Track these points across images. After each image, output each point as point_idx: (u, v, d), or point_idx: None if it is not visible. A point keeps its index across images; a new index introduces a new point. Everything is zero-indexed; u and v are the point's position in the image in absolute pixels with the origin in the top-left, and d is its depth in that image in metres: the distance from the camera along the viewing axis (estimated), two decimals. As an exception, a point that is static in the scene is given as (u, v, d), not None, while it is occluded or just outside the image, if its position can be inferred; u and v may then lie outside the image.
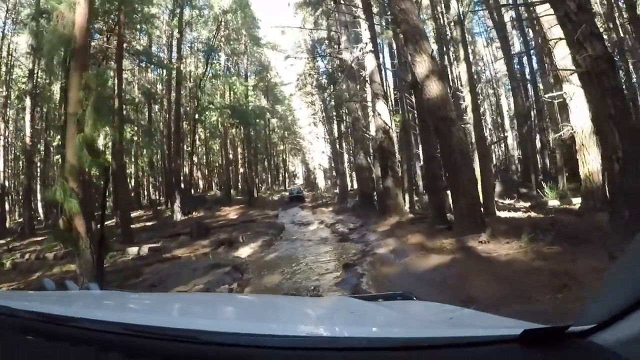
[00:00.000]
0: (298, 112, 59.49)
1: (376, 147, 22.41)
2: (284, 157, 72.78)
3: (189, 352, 1.17)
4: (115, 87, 23.55)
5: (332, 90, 30.44)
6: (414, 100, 25.43)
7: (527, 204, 17.96)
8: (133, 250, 16.81)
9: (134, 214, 33.23)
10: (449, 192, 13.60)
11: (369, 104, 22.76)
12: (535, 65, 29.20)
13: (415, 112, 26.06)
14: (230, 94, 41.11)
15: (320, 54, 32.27)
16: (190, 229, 20.70)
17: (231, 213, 32.02)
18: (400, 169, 21.34)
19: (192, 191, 42.12)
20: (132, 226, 26.64)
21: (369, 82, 21.00)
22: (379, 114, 19.50)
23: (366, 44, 20.35)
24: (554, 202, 16.84)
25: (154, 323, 1.30)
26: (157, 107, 40.42)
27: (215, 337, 1.19)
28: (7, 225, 30.69)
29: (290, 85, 48.37)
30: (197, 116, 36.82)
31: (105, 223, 25.71)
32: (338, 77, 30.71)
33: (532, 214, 14.63)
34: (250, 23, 42.98)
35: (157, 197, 44.06)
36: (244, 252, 15.57)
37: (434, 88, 12.02)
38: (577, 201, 15.17)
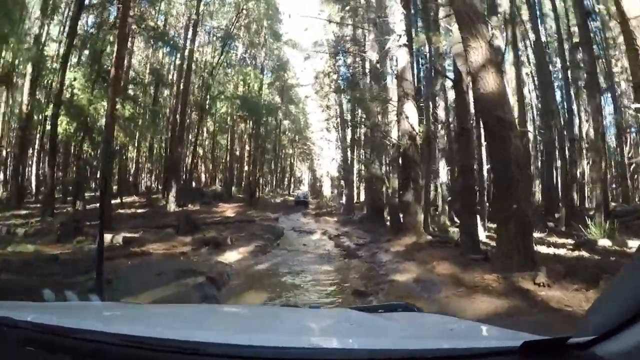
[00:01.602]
0: (311, 117, 56.92)
1: (396, 155, 19.72)
2: (292, 161, 70.68)
3: None
4: (114, 57, 20.90)
5: (352, 89, 27.39)
6: (441, 105, 22.99)
7: (567, 241, 15.25)
8: (106, 238, 13.62)
9: (128, 199, 31.65)
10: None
11: (394, 104, 19.73)
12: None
13: (440, 119, 23.61)
14: (243, 86, 38.71)
15: (342, 50, 29.18)
16: (177, 222, 18.13)
17: (228, 210, 29.77)
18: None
19: (193, 183, 40.11)
20: (121, 211, 24.79)
21: (397, 80, 18.04)
22: (407, 117, 16.60)
23: (400, 36, 17.44)
24: (604, 242, 13.95)
25: (156, 335, 1.26)
26: (166, 92, 37.97)
27: (217, 349, 1.16)
28: (-2, 195, 28.02)
29: (306, 87, 45.84)
30: (206, 104, 34.59)
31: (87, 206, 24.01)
32: (359, 78, 27.94)
33: (584, 254, 11.91)
34: (272, 15, 40.64)
35: (156, 185, 41.31)
36: (231, 257, 12.78)
37: (490, 81, 9.41)
38: (632, 244, 12.99)
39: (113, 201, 28.01)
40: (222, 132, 44.46)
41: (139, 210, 26.85)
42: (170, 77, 36.85)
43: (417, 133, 16.79)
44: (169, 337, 1.22)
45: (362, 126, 30.82)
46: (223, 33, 34.41)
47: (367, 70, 26.80)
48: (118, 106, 24.45)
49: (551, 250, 12.45)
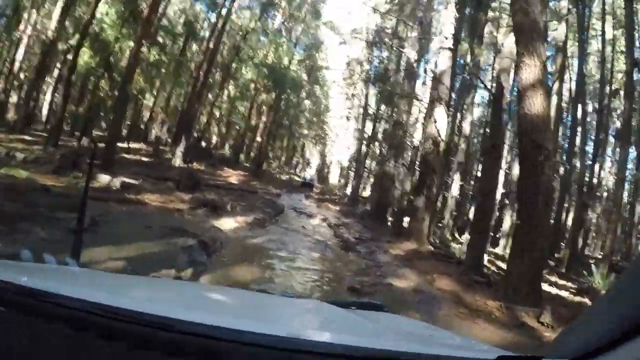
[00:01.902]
0: (333, 102, 56.51)
1: (414, 158, 19.04)
2: (305, 142, 69.31)
3: (165, 340, 1.10)
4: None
5: (383, 83, 26.68)
6: (468, 119, 22.30)
7: (568, 284, 14.98)
8: (104, 179, 13.70)
9: (135, 145, 31.32)
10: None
11: (424, 105, 19.03)
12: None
13: (463, 132, 22.92)
14: (274, 56, 37.60)
15: (381, 41, 28.36)
16: (180, 177, 17.65)
17: (233, 177, 29.42)
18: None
19: (203, 143, 39.55)
20: (126, 156, 24.71)
21: (433, 82, 17.29)
22: (435, 121, 15.86)
23: (446, 38, 16.65)
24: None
25: (132, 307, 1.19)
26: (195, 47, 37.11)
27: (192, 327, 1.12)
28: (7, 117, 27.74)
29: (336, 71, 45.14)
30: (232, 66, 33.40)
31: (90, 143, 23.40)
32: (392, 74, 27.24)
33: (587, 301, 11.36)
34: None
35: (166, 138, 40.51)
36: (227, 224, 12.12)
37: (538, 103, 8.86)
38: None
39: (120, 145, 27.84)
40: (243, 99, 43.56)
41: (144, 159, 26.45)
42: (203, 33, 35.69)
43: (442, 140, 16.12)
44: (145, 311, 1.17)
45: (385, 122, 30.21)
46: (264, -1, 33.37)
47: (401, 67, 25.95)
48: (144, 49, 24.06)
49: (553, 290, 12.12)
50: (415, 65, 23.82)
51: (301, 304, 2.53)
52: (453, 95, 21.38)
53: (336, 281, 9.06)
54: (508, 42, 13.29)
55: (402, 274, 10.47)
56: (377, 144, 33.88)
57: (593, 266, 16.17)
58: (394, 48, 26.32)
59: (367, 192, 39.26)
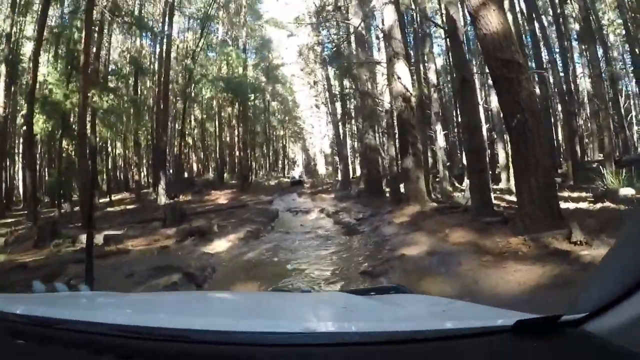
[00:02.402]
0: (299, 95, 55.77)
1: (390, 121, 18.27)
2: (284, 142, 68.75)
3: (181, 352, 1.10)
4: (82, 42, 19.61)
5: (338, 60, 25.79)
6: (432, 69, 21.52)
7: (582, 194, 14.32)
8: (85, 238, 12.29)
9: (118, 197, 30.45)
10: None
11: (384, 66, 18.20)
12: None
13: (431, 82, 22.12)
14: (226, 67, 36.83)
15: (325, 20, 27.45)
16: (164, 214, 16.68)
17: (221, 197, 28.52)
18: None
19: (185, 174, 39.12)
20: (110, 209, 24.09)
21: (385, 39, 16.48)
22: (399, 78, 15.07)
23: (386, -7, 15.83)
24: (626, 191, 12.58)
25: (146, 323, 1.23)
26: (149, 83, 36.18)
27: (207, 335, 1.13)
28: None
29: (292, 65, 44.27)
30: (188, 90, 32.99)
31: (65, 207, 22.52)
32: (344, 48, 26.39)
33: (610, 205, 10.56)
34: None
35: (146, 179, 39.70)
36: (219, 246, 11.33)
37: (493, 20, 8.19)
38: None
39: (102, 200, 27.00)
40: (210, 119, 42.82)
41: (129, 207, 25.53)
42: (151, 66, 34.68)
43: (410, 94, 15.31)
44: (159, 325, 1.19)
45: (352, 97, 29.41)
46: (201, 15, 32.54)
47: (352, 39, 25.15)
48: (95, 98, 23.18)
49: (570, 205, 11.11)
50: (364, 32, 23.04)
51: (317, 298, 2.55)
52: (410, 51, 20.66)
53: (346, 271, 8.28)
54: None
55: (411, 240, 9.67)
56: (352, 120, 33.04)
57: (601, 168, 15.50)
58: (339, 21, 25.45)
59: (358, 171, 38.31)
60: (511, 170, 18.11)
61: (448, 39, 13.68)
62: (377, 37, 25.73)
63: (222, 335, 1.12)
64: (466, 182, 16.35)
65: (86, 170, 19.00)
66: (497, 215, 10.17)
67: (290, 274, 8.18)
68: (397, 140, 19.24)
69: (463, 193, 16.77)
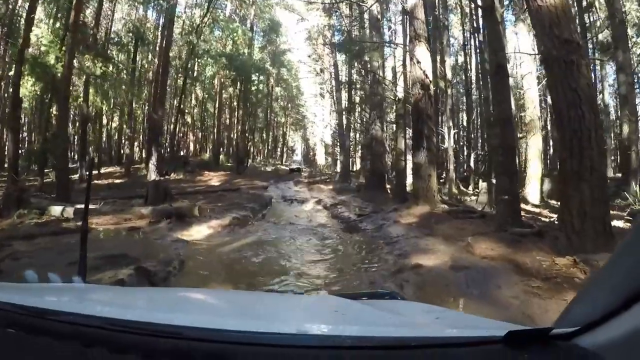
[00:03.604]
0: (304, 83, 54.45)
1: (402, 111, 16.63)
2: (285, 130, 67.16)
3: (173, 348, 1.08)
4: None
5: (349, 44, 23.96)
6: (447, 63, 19.83)
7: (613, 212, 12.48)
8: (56, 210, 11.61)
9: (108, 170, 28.78)
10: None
11: (401, 47, 16.45)
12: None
13: (446, 77, 20.38)
14: (231, 46, 34.68)
15: (338, 1, 25.49)
16: (146, 191, 15.39)
17: (214, 179, 26.93)
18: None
19: (182, 153, 37.90)
20: (98, 182, 22.32)
21: (409, 18, 14.67)
22: (418, 62, 13.28)
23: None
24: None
25: (139, 318, 1.20)
26: (150, 56, 34.60)
27: (199, 333, 1.10)
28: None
29: (299, 51, 42.66)
30: (189, 64, 31.05)
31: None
32: (357, 33, 24.69)
33: None
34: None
35: (139, 154, 38.18)
36: (197, 232, 9.70)
37: None
38: None
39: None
40: (211, 99, 40.89)
41: (117, 181, 24.31)
42: (154, 40, 33.11)
43: (430, 81, 13.52)
44: (151, 321, 1.15)
45: (360, 85, 27.69)
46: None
47: (365, 24, 23.44)
48: (88, 63, 21.40)
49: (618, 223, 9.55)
50: (379, 17, 21.31)
51: (310, 300, 2.64)
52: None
53: (346, 280, 6.53)
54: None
55: (425, 246, 7.98)
56: (357, 111, 31.34)
57: (633, 184, 13.82)
58: (353, 2, 23.63)
59: (357, 166, 36.75)
60: (529, 175, 16.46)
61: (482, 18, 11.88)
62: (392, 22, 23.98)
63: (214, 333, 1.08)
64: (482, 185, 14.73)
65: (65, 137, 17.32)
66: (527, 226, 8.55)
67: (272, 279, 6.42)
68: (406, 133, 17.61)
69: (476, 197, 15.05)
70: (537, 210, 13.68)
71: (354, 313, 1.65)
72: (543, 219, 11.50)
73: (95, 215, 10.76)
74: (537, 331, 1.06)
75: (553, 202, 15.26)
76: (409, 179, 16.26)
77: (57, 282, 1.84)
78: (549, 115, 25.80)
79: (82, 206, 11.83)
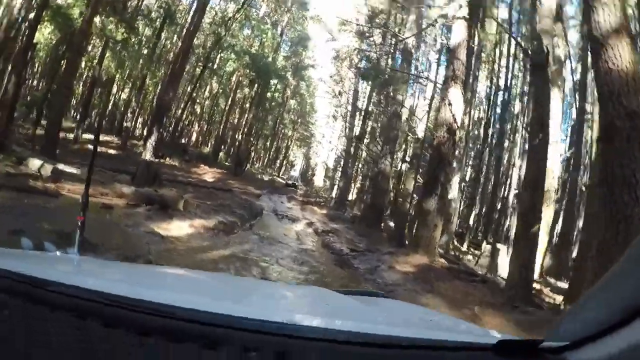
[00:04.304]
0: (319, 102, 53.64)
1: (418, 152, 15.66)
2: (289, 143, 65.80)
3: (165, 327, 1.05)
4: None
5: (376, 73, 23.09)
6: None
7: None
8: (34, 164, 10.81)
9: (106, 138, 27.46)
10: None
11: (438, 86, 15.59)
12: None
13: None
14: (258, 48, 34.16)
15: (370, 28, 24.69)
16: (136, 169, 14.75)
17: (209, 174, 26.00)
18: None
19: (183, 140, 37.27)
20: (90, 146, 21.45)
21: (450, 57, 13.81)
22: (450, 104, 12.37)
23: (460, 6, 13.18)
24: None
25: (133, 295, 1.16)
26: (175, 37, 33.58)
27: (193, 314, 1.08)
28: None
29: (322, 68, 41.95)
30: (211, 54, 30.25)
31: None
32: (387, 63, 23.93)
33: None
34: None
35: (141, 131, 36.62)
36: (177, 228, 8.67)
37: (625, 54, 6.01)
38: None
39: (87, 135, 24.47)
40: (225, 95, 39.93)
41: (111, 151, 23.31)
42: (183, 20, 31.62)
43: (458, 127, 12.60)
44: (145, 299, 1.12)
45: (377, 116, 26.80)
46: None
47: (397, 55, 22.72)
48: (111, 26, 20.55)
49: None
50: (413, 51, 20.54)
51: (301, 291, 2.49)
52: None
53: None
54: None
55: (426, 305, 6.84)
56: (366, 141, 30.49)
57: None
58: (390, 33, 22.90)
59: (353, 196, 35.73)
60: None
61: (531, 74, 11.03)
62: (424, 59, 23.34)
63: (207, 315, 1.06)
64: (485, 248, 13.74)
65: (66, 93, 16.35)
66: (536, 306, 7.65)
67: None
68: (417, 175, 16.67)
69: (477, 259, 14.05)
70: (537, 286, 12.75)
71: (346, 308, 1.67)
72: (546, 298, 10.56)
73: (72, 180, 9.90)
74: (527, 342, 1.03)
75: (552, 280, 14.54)
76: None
77: (52, 252, 1.83)
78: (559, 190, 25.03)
79: (66, 168, 11.29)
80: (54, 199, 7.75)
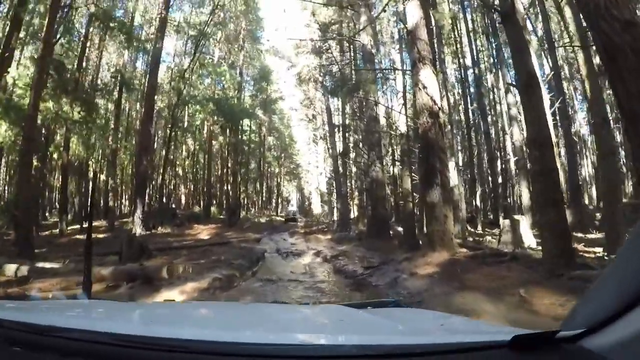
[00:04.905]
0: (296, 131, 53.88)
1: (407, 147, 14.81)
2: (279, 180, 65.32)
3: None
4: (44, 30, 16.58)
5: (342, 85, 22.49)
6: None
7: None
8: (10, 269, 10.29)
9: (95, 224, 25.97)
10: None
11: (408, 73, 14.86)
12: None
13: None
14: (221, 93, 33.65)
15: (330, 38, 24.18)
16: (120, 248, 13.22)
17: (203, 232, 24.80)
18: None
19: (172, 205, 35.54)
20: (79, 237, 20.42)
21: (410, 39, 12.88)
22: (425, 87, 11.55)
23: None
24: None
25: (144, 333, 1.20)
26: (137, 105, 33.45)
27: (206, 346, 1.11)
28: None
29: (290, 97, 41.79)
30: (176, 111, 29.75)
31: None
32: (349, 73, 23.30)
33: None
34: (251, 14, 36.76)
35: (129, 207, 35.75)
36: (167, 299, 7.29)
37: None
38: None
39: (72, 227, 24.06)
40: (203, 150, 39.20)
41: (100, 236, 21.78)
42: (141, 86, 31.58)
43: (439, 108, 11.76)
44: (157, 335, 1.16)
45: (356, 127, 26.18)
46: (196, 32, 29.22)
47: (358, 61, 22.18)
48: (66, 107, 19.93)
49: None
50: (373, 52, 19.91)
51: (315, 310, 2.52)
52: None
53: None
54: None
55: (462, 305, 6.13)
56: (353, 154, 29.79)
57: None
58: (346, 39, 22.40)
59: (354, 213, 34.91)
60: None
61: (502, 24, 10.21)
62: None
63: (220, 345, 1.09)
64: (504, 223, 12.80)
65: (27, 185, 15.52)
66: (586, 267, 6.80)
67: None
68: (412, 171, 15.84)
69: (498, 237, 13.10)
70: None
71: (360, 322, 1.71)
72: (585, 255, 9.66)
73: (44, 277, 9.26)
74: (542, 334, 1.05)
75: (579, 234, 14.28)
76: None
77: (61, 299, 2.01)
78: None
79: (47, 265, 10.99)
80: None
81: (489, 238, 15.71)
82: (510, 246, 11.64)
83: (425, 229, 12.82)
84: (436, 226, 11.11)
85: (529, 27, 17.21)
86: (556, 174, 8.16)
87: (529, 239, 12.15)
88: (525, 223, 12.57)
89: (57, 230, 23.07)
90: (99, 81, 28.33)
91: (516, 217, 13.15)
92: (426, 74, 11.70)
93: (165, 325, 1.54)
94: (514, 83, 14.02)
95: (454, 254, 10.35)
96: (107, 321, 1.52)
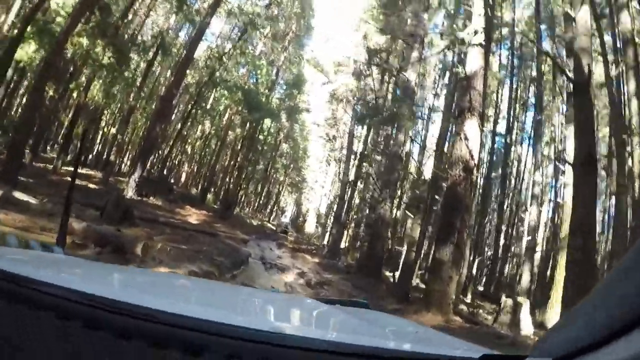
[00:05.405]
0: (312, 146, 53.06)
1: (429, 194, 13.97)
2: (280, 189, 64.68)
3: (147, 331, 1.03)
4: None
5: (374, 115, 21.73)
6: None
7: None
8: None
9: (90, 172, 26.27)
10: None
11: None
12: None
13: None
14: (252, 84, 33.04)
15: (369, 66, 23.57)
16: (105, 204, 12.65)
17: (193, 216, 23.98)
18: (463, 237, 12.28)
19: (171, 180, 35.53)
20: (69, 179, 18.79)
21: (467, 85, 12.10)
22: (466, 139, 10.70)
23: (475, 32, 11.76)
24: None
25: (116, 297, 1.12)
26: (168, 72, 33.00)
27: (175, 319, 1.05)
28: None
29: (317, 112, 41.22)
30: (203, 89, 29.49)
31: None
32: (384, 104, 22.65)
33: None
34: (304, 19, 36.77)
35: (129, 167, 34.99)
36: None
37: None
38: None
39: (67, 168, 23.31)
40: (217, 135, 38.82)
41: (92, 185, 21.41)
42: (179, 56, 30.85)
43: (475, 164, 10.92)
44: (128, 301, 1.09)
45: (373, 157, 25.32)
46: (247, 19, 28.28)
47: (398, 95, 21.60)
48: (98, 49, 19.86)
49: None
50: (416, 89, 19.17)
51: (287, 299, 2.62)
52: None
53: None
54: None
55: None
56: (361, 186, 28.98)
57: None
58: (390, 71, 21.75)
59: (345, 243, 33.96)
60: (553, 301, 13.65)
61: (574, 95, 9.46)
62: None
63: (190, 320, 1.03)
64: (506, 302, 11.93)
65: (33, 110, 14.80)
66: None
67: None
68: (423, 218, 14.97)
69: (495, 315, 12.32)
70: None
71: (330, 318, 1.67)
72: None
73: (12, 209, 8.25)
74: (511, 357, 1.05)
75: None
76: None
77: (37, 250, 1.82)
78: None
79: (24, 198, 10.55)
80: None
81: (481, 312, 14.84)
82: (507, 328, 10.78)
83: (419, 282, 11.97)
84: (438, 285, 10.28)
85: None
86: (593, 267, 7.34)
87: (527, 325, 11.31)
88: (526, 307, 11.74)
89: (52, 166, 22.64)
90: (139, 38, 27.71)
91: (520, 299, 12.31)
92: (471, 126, 10.93)
93: (138, 291, 1.47)
94: (566, 159, 13.14)
95: (448, 320, 9.70)
96: (81, 280, 1.45)
